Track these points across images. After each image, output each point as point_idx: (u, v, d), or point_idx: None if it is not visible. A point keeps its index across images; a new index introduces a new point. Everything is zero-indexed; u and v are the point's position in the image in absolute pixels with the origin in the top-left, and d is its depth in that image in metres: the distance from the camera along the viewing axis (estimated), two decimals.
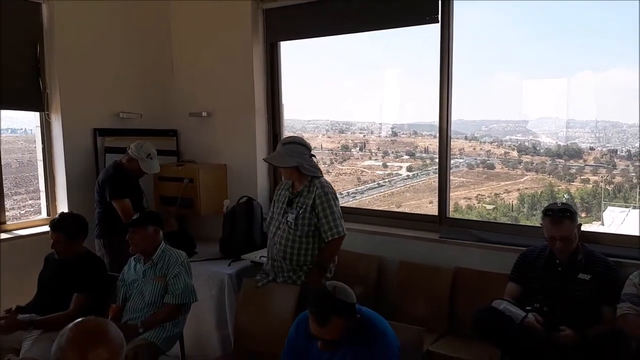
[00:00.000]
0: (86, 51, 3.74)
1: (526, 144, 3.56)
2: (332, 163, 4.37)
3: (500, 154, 3.68)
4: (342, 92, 4.11)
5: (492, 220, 3.50)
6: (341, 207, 3.79)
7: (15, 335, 2.71)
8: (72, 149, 3.69)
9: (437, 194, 3.41)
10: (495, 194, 3.70)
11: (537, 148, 3.53)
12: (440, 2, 3.22)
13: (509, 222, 3.48)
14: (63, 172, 3.68)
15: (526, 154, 3.56)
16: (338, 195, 2.99)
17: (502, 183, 3.65)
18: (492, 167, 3.70)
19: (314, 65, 4.18)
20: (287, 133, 4.07)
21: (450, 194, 3.44)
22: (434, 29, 3.29)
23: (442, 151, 3.35)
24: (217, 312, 3.35)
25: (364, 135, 4.29)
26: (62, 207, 3.71)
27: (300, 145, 2.86)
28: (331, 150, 4.36)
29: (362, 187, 4.24)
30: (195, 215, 3.97)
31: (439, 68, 3.30)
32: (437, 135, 3.38)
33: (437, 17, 3.25)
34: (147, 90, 4.16)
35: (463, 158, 3.65)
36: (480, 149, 3.71)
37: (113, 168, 3.45)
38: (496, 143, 3.71)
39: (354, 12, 3.52)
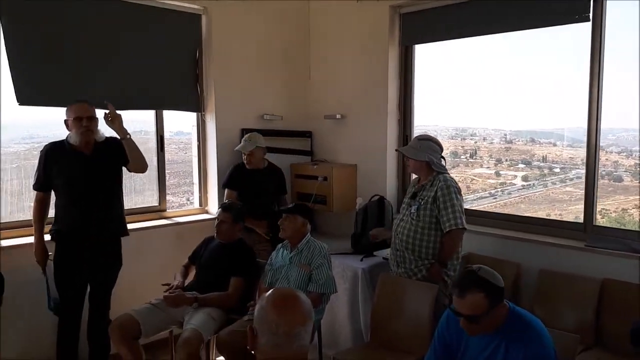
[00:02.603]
0: (237, 58, 4.12)
1: None
2: None
3: (629, 165, 3.39)
4: (453, 97, 4.03)
5: None
6: (476, 210, 3.79)
7: (178, 309, 3.07)
8: (223, 147, 4.07)
9: (564, 204, 3.32)
10: (623, 209, 3.42)
11: None
12: None
13: None
14: (214, 167, 4.08)
15: None
16: None
17: (631, 197, 3.35)
18: (619, 179, 3.42)
19: (427, 68, 4.15)
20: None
21: (571, 207, 3.28)
22: (560, 30, 3.19)
23: (590, 158, 3.20)
24: (350, 305, 3.50)
25: (475, 142, 4.19)
26: (213, 198, 4.12)
27: (434, 144, 3.05)
28: None
29: (471, 195, 4.12)
30: (328, 211, 4.18)
31: (589, 71, 3.15)
32: (557, 143, 3.38)
33: (588, 16, 3.11)
34: (288, 94, 4.48)
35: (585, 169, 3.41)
36: (606, 159, 3.41)
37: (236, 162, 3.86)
38: (625, 153, 3.43)
39: (496, 13, 3.47)
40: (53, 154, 2.98)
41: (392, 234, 3.14)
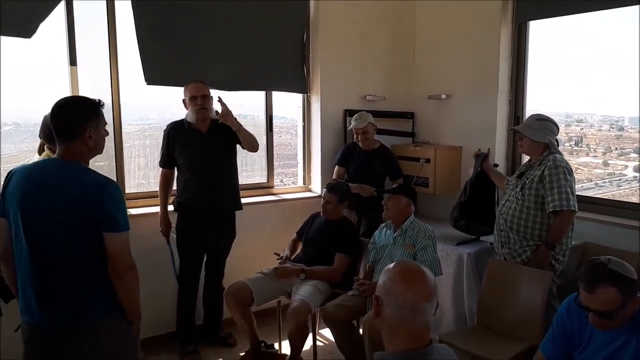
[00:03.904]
0: (342, 39, 4.15)
1: None
2: None
3: None
4: (559, 80, 3.73)
5: None
6: (590, 196, 3.54)
7: (287, 282, 3.21)
8: (326, 127, 4.15)
9: None
10: None
11: None
12: None
13: None
14: (318, 147, 4.18)
15: None
16: None
17: None
18: None
19: (532, 49, 3.88)
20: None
21: None
22: None
23: None
24: (454, 289, 3.44)
25: (582, 129, 3.88)
26: (316, 178, 4.24)
27: (553, 125, 2.93)
28: None
29: (575, 186, 3.82)
30: (430, 194, 4.11)
31: None
32: None
33: None
34: (391, 74, 4.44)
35: None
36: None
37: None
38: None
39: None
40: (174, 133, 3.22)
41: (497, 215, 3.07)
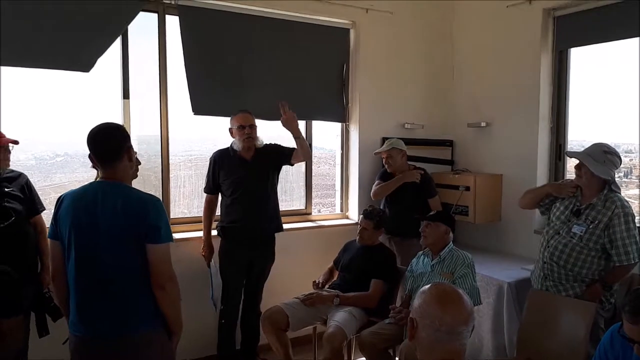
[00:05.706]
0: (381, 68, 4.24)
1: None
2: None
3: None
4: (604, 108, 3.65)
5: None
6: None
7: (322, 308, 3.22)
8: (364, 155, 4.19)
9: None
10: None
11: None
12: None
13: None
14: (356, 175, 4.23)
15: None
16: None
17: None
18: None
19: (573, 76, 3.84)
20: None
21: None
22: None
23: None
24: (494, 319, 3.36)
25: (631, 160, 3.73)
26: (353, 205, 4.28)
27: (618, 159, 2.70)
28: None
29: None
30: (469, 222, 4.06)
31: None
32: None
33: None
34: (430, 103, 4.48)
35: None
36: None
37: None
38: None
39: None
40: (220, 159, 3.37)
41: (542, 245, 2.91)
